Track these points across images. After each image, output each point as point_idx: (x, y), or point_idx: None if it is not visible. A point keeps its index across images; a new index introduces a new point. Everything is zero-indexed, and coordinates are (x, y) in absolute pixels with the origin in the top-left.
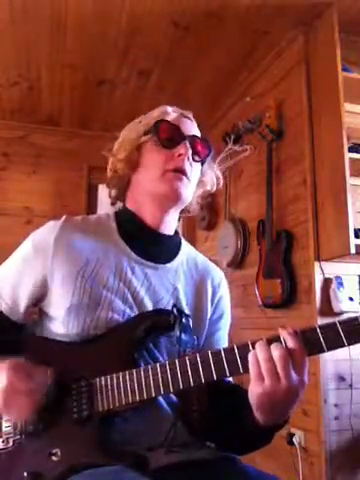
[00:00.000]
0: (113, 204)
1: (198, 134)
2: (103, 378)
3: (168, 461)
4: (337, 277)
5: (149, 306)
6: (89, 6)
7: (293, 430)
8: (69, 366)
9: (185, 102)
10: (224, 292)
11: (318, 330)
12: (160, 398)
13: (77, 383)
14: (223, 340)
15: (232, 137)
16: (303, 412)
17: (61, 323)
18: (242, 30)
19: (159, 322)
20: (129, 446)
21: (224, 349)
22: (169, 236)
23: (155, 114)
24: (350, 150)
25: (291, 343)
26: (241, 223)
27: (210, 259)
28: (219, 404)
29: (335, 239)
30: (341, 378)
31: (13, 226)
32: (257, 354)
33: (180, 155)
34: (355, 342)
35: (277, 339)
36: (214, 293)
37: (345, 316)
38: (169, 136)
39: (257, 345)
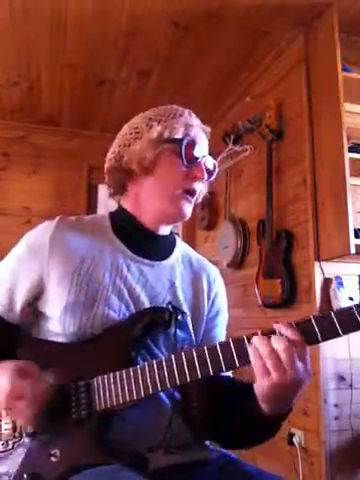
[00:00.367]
0: (112, 196)
1: (207, 149)
2: (101, 377)
3: (167, 462)
4: (337, 277)
5: (145, 303)
6: (89, 6)
7: (293, 430)
8: (67, 366)
9: (185, 102)
10: (220, 288)
11: (313, 321)
12: (161, 394)
13: (75, 383)
14: (221, 337)
15: (232, 137)
16: (303, 412)
17: (57, 322)
18: (242, 30)
19: (155, 319)
20: (128, 445)
21: (220, 344)
22: (164, 235)
23: (180, 121)
24: (350, 150)
25: (291, 335)
26: (241, 223)
27: (210, 259)
28: (220, 399)
29: (335, 239)
30: (341, 378)
31: (13, 226)
32: (258, 348)
33: (196, 177)
34: (350, 331)
35: (273, 332)
36: (210, 289)
37: None
38: (191, 157)
39: (256, 339)
